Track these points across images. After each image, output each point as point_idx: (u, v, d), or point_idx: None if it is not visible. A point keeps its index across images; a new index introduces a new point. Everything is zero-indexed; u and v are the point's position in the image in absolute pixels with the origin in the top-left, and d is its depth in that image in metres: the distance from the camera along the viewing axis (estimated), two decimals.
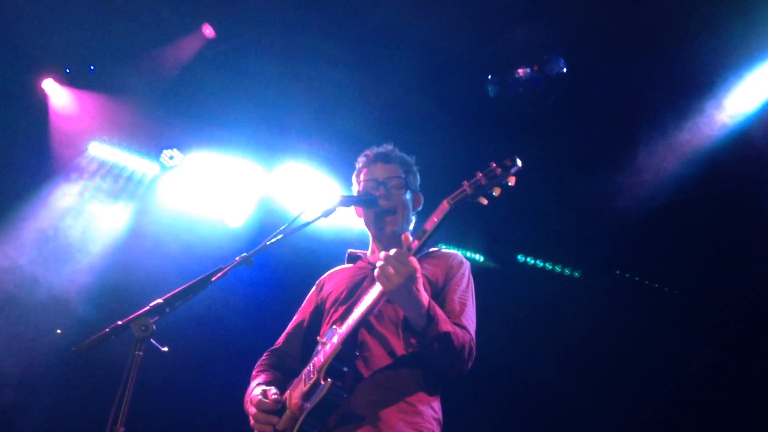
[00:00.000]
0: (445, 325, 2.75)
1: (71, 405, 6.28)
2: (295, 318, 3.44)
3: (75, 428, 6.01)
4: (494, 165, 2.58)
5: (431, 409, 2.89)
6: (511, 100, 5.93)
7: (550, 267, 7.72)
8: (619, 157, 6.13)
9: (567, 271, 7.67)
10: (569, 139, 6.32)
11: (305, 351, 3.22)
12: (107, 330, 2.42)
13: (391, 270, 2.64)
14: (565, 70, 5.75)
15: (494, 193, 2.59)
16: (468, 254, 7.56)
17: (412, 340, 2.88)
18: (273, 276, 6.92)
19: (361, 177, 3.38)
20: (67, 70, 6.52)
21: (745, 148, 5.80)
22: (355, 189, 3.42)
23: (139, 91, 6.48)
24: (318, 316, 3.29)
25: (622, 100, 5.86)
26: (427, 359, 2.84)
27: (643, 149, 6.02)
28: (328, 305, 3.23)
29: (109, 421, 2.24)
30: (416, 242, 2.72)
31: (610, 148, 6.18)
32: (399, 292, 2.66)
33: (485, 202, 2.62)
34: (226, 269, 2.71)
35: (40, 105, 6.51)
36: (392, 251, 2.68)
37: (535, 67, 5.78)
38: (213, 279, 2.67)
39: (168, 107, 6.68)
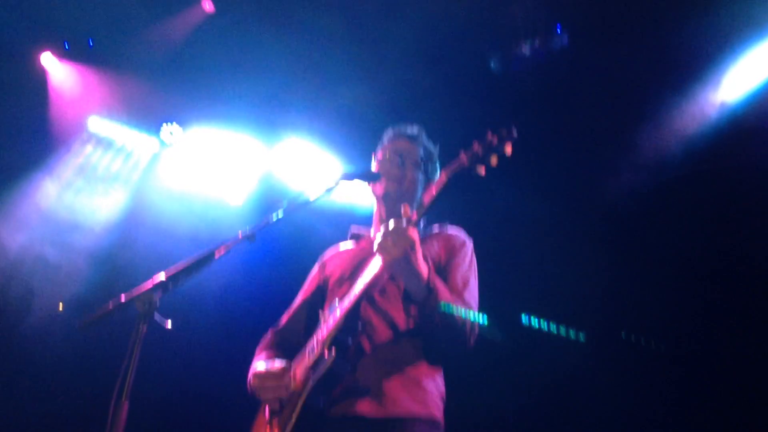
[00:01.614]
0: (446, 295, 2.76)
1: (76, 380, 6.32)
2: (297, 297, 3.46)
3: (80, 402, 6.06)
4: (490, 134, 2.60)
5: (435, 384, 2.92)
6: (513, 76, 5.91)
7: (555, 329, 7.53)
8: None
9: (572, 333, 7.47)
10: (569, 119, 6.28)
11: (308, 330, 3.22)
12: (111, 305, 2.44)
13: (390, 241, 2.64)
14: (566, 45, 5.71)
15: (491, 162, 2.60)
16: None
17: (413, 311, 2.89)
18: (276, 252, 6.92)
19: (383, 148, 3.39)
20: (66, 45, 6.47)
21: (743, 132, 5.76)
22: (374, 161, 3.41)
23: (138, 66, 6.44)
24: (321, 294, 3.30)
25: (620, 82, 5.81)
26: (429, 333, 2.85)
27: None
28: (331, 284, 3.24)
29: (114, 394, 2.26)
30: (415, 213, 2.73)
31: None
32: (398, 264, 2.68)
33: (483, 172, 2.64)
34: (229, 245, 2.71)
35: (39, 80, 6.47)
36: (391, 222, 2.68)
37: (538, 43, 5.75)
38: (216, 255, 2.67)
39: (168, 82, 6.63)
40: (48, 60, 6.46)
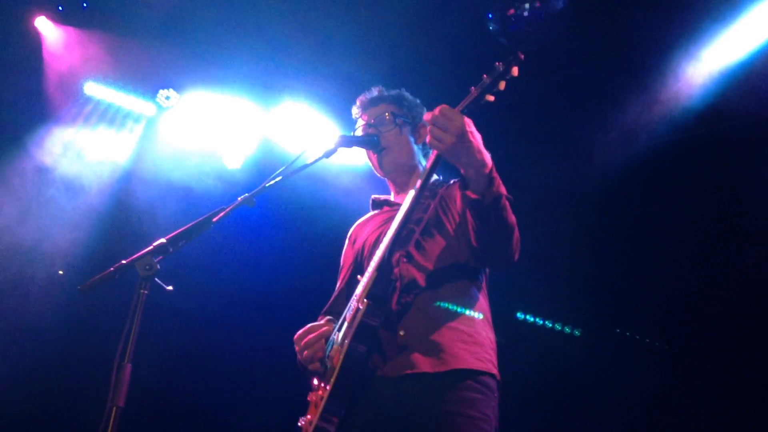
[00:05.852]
0: (504, 188, 2.66)
1: (78, 343, 6.39)
2: (339, 279, 3.38)
3: (83, 365, 6.14)
4: (497, 63, 2.62)
5: (488, 337, 2.89)
6: (512, 37, 5.85)
7: (550, 325, 7.53)
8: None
9: (567, 329, 7.44)
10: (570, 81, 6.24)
11: None
12: (112, 269, 2.46)
13: (439, 129, 2.54)
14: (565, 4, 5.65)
15: (500, 88, 2.60)
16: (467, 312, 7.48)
17: (455, 257, 2.88)
18: (274, 216, 6.94)
19: (357, 126, 3.39)
20: (60, 8, 6.38)
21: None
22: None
23: (134, 29, 6.35)
24: (358, 267, 3.22)
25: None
26: (478, 236, 2.73)
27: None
28: (366, 253, 3.18)
29: (117, 357, 2.29)
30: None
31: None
32: (455, 151, 2.56)
33: (492, 98, 2.63)
34: (227, 209, 2.73)
35: (33, 44, 6.39)
36: (436, 109, 2.57)
37: (537, 3, 5.68)
38: (215, 219, 2.70)
39: (164, 46, 6.54)
40: (42, 24, 6.37)
